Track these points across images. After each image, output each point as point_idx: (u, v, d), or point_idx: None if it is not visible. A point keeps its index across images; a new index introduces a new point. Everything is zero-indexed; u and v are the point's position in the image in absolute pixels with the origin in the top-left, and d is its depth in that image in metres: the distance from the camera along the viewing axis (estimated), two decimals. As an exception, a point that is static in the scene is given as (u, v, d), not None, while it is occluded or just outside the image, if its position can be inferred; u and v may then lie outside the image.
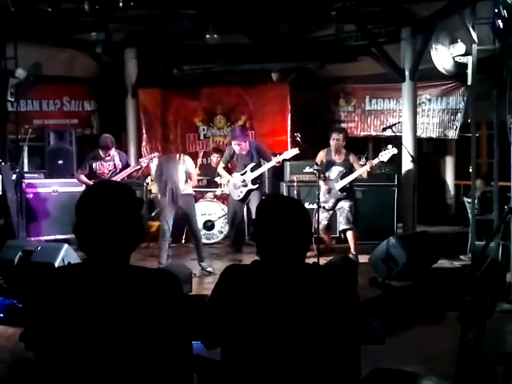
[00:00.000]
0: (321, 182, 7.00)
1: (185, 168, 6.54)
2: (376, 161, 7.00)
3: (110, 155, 6.96)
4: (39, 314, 1.79)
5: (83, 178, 6.96)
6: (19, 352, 2.46)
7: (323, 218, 7.17)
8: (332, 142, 7.17)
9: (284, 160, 7.46)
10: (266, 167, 7.48)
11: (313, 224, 6.58)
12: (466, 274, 5.03)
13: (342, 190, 7.08)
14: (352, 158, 7.19)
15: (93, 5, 6.70)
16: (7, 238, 6.42)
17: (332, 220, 7.50)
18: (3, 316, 4.87)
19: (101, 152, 6.94)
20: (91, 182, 6.73)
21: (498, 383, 2.72)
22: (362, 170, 7.01)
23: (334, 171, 7.15)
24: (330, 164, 7.19)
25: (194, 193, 6.94)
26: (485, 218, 7.15)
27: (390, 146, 7.01)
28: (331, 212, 7.25)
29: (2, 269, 5.83)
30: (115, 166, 7.03)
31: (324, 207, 7.14)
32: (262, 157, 7.51)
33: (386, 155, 6.95)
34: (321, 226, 7.14)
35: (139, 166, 7.11)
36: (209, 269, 6.59)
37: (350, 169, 7.13)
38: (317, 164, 6.96)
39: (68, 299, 1.75)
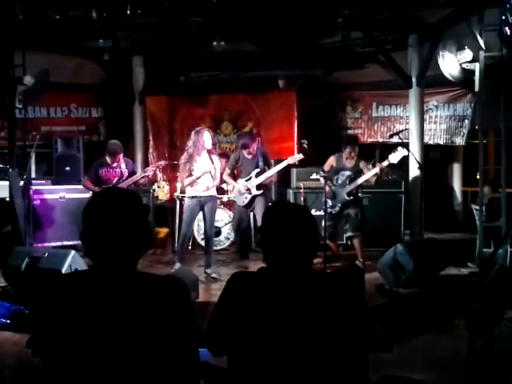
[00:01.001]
0: (327, 188, 6.97)
1: (212, 166, 6.61)
2: (386, 163, 6.84)
3: (117, 161, 6.96)
4: (46, 321, 1.79)
5: (89, 184, 6.97)
6: (26, 358, 2.46)
7: (328, 225, 7.11)
8: (347, 153, 7.13)
9: (290, 166, 7.43)
10: (270, 173, 7.41)
11: (320, 231, 6.53)
12: (474, 282, 5.01)
13: (348, 194, 7.04)
14: (362, 163, 7.13)
15: (100, 12, 6.74)
16: (14, 244, 6.45)
17: (338, 227, 7.47)
18: (10, 322, 4.88)
19: (108, 158, 6.94)
20: (97, 189, 6.74)
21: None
22: (371, 173, 6.88)
23: (343, 176, 7.11)
24: (339, 169, 7.15)
25: (217, 196, 7.04)
26: (493, 224, 7.12)
27: (399, 148, 6.86)
28: (337, 218, 7.20)
29: (9, 275, 5.86)
30: (122, 173, 7.02)
31: (331, 212, 7.07)
32: (266, 164, 7.52)
33: (395, 157, 6.81)
34: (327, 234, 7.10)
35: (146, 174, 7.09)
36: (215, 275, 6.60)
37: (358, 174, 7.05)
38: (323, 171, 6.95)
39: (75, 306, 1.75)
